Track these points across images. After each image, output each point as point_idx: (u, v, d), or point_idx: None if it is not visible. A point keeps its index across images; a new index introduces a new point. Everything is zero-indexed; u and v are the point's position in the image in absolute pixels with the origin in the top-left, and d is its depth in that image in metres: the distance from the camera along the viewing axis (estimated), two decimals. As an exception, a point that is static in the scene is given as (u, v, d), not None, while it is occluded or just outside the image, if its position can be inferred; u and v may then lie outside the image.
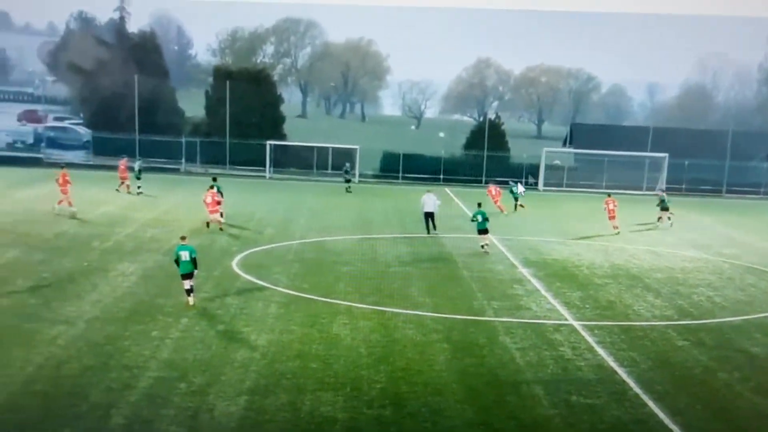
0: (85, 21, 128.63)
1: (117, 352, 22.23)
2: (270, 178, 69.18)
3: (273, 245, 38.84)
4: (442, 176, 71.74)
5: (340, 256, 37.10)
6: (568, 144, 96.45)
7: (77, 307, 26.21)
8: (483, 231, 38.96)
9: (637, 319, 28.41)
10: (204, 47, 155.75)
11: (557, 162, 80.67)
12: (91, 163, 68.25)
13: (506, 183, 59.36)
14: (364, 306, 28.19)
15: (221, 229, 41.48)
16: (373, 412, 19.14)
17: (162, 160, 70.33)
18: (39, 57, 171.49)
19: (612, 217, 47.71)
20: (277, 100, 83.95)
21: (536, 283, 33.09)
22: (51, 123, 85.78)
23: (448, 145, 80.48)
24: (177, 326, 24.83)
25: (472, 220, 39.44)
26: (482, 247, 38.76)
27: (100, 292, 28.23)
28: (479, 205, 40.20)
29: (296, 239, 40.78)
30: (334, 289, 30.62)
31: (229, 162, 70.97)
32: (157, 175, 56.88)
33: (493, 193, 55.04)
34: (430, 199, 44.01)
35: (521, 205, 54.23)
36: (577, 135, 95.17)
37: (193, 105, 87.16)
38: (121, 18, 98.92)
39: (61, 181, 45.39)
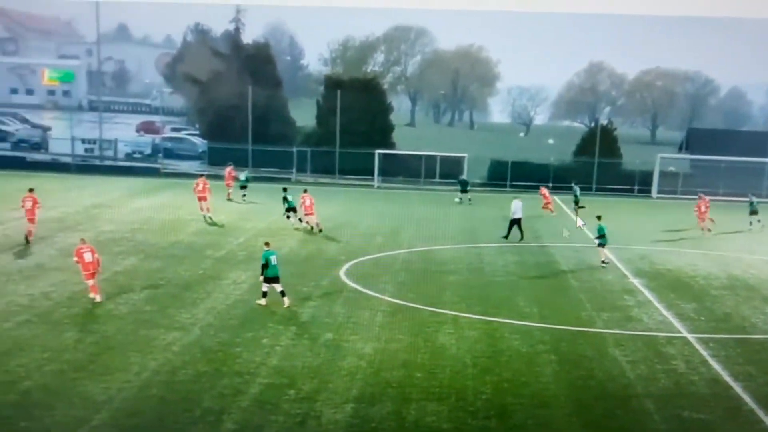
0: (201, 33, 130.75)
1: (229, 358, 22.76)
2: (378, 187, 69.52)
3: (380, 254, 39.10)
4: (551, 184, 71.00)
5: (447, 265, 37.16)
6: (683, 150, 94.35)
7: (192, 314, 26.89)
8: (602, 245, 37.75)
9: (755, 332, 27.78)
10: (316, 57, 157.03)
11: (672, 168, 79.02)
12: (205, 173, 69.74)
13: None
14: (470, 316, 28.25)
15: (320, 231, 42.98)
16: (478, 423, 19.20)
17: (274, 169, 71.22)
18: (156, 69, 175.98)
19: (702, 219, 47.73)
20: (387, 108, 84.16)
21: (648, 294, 32.61)
22: (168, 134, 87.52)
23: (558, 151, 79.60)
24: (287, 334, 25.31)
25: (599, 236, 37.68)
26: (602, 262, 37.54)
27: (213, 300, 28.91)
28: (599, 218, 38.57)
29: (403, 248, 40.95)
30: (440, 298, 30.71)
31: (338, 171, 71.54)
32: (268, 185, 57.56)
33: (547, 195, 55.21)
34: (517, 205, 44.14)
35: (581, 206, 53.89)
36: (693, 140, 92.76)
37: (304, 115, 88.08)
38: (236, 29, 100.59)
39: (200, 188, 46.75)
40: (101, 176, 63.62)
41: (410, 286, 32.60)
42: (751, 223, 50.42)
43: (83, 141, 77.54)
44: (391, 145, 77.94)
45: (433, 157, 73.56)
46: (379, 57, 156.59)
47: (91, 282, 28.21)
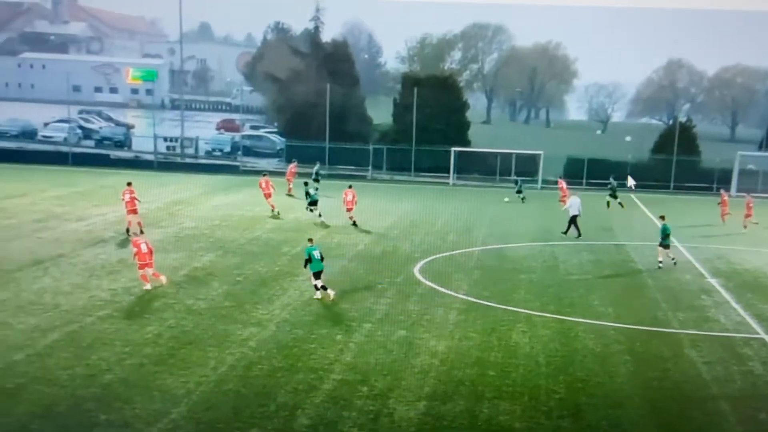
0: (281, 32, 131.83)
1: (304, 354, 22.90)
2: (453, 184, 69.37)
3: (455, 252, 39.01)
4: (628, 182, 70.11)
5: (521, 263, 36.96)
6: (763, 147, 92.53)
7: (268, 310, 27.13)
8: (665, 246, 36.99)
9: (836, 334, 27.11)
10: (393, 55, 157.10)
11: (751, 166, 77.45)
12: (283, 170, 70.27)
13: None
14: (544, 314, 28.04)
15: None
16: (552, 422, 19.06)
17: (350, 167, 71.55)
18: (237, 67, 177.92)
19: (747, 215, 48.31)
20: (463, 106, 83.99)
21: (726, 294, 32.02)
22: (247, 131, 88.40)
23: (635, 149, 78.52)
24: (360, 331, 25.38)
25: (664, 236, 36.76)
26: (659, 263, 36.83)
27: (289, 296, 29.11)
28: (662, 218, 37.90)
29: (477, 246, 40.84)
30: (514, 296, 30.59)
31: (413, 169, 71.52)
32: (345, 182, 57.76)
33: (564, 187, 55.31)
34: (575, 202, 44.28)
35: (619, 203, 54.06)
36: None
37: (380, 112, 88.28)
38: (316, 28, 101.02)
39: (264, 185, 47.47)
40: (182, 173, 64.48)
41: (484, 284, 32.47)
42: None
43: (165, 139, 78.73)
44: (467, 143, 77.72)
45: (509, 154, 73.17)
46: (456, 54, 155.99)
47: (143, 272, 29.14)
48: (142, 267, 29.29)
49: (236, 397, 19.64)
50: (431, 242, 41.28)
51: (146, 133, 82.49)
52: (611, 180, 58.08)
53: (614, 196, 55.88)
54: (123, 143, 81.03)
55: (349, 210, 44.70)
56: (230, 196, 53.70)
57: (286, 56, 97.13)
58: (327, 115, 73.64)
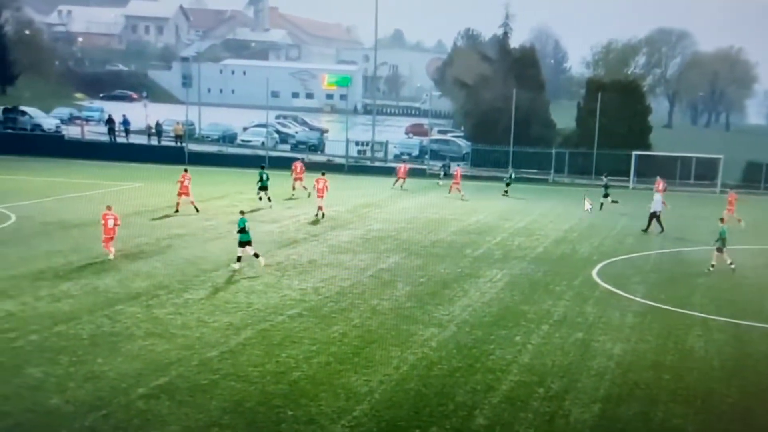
0: (471, 38, 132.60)
1: (482, 355, 22.95)
2: (633, 188, 67.77)
3: (632, 255, 38.24)
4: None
5: (697, 266, 35.88)
6: None
7: (449, 311, 27.23)
8: (720, 250, 34.88)
9: None
10: (578, 60, 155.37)
11: None
12: (468, 174, 70.51)
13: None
14: (720, 318, 27.28)
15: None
16: (723, 426, 18.64)
17: (533, 170, 71.06)
18: (427, 73, 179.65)
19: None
20: (646, 110, 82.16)
21: None
22: (435, 136, 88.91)
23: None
24: (538, 332, 25.24)
25: (719, 239, 34.90)
26: (711, 265, 34.90)
27: (470, 298, 29.17)
28: (722, 221, 36.10)
29: (655, 249, 39.95)
30: (690, 300, 29.82)
31: (594, 172, 70.25)
32: (527, 185, 57.82)
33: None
34: (656, 199, 44.54)
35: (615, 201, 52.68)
36: None
37: (563, 117, 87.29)
38: (504, 34, 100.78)
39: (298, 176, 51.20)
40: (372, 176, 65.52)
41: (661, 287, 31.71)
42: None
43: (356, 143, 80.00)
44: (648, 147, 75.96)
45: (689, 158, 70.98)
46: (641, 59, 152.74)
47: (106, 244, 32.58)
48: (106, 240, 32.53)
49: (416, 395, 19.85)
50: (610, 245, 40.63)
51: (338, 138, 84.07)
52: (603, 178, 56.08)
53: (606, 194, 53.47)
54: (317, 147, 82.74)
55: (319, 197, 44.75)
56: (417, 198, 54.15)
57: (474, 62, 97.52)
58: (512, 120, 73.26)
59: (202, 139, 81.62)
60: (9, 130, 77.52)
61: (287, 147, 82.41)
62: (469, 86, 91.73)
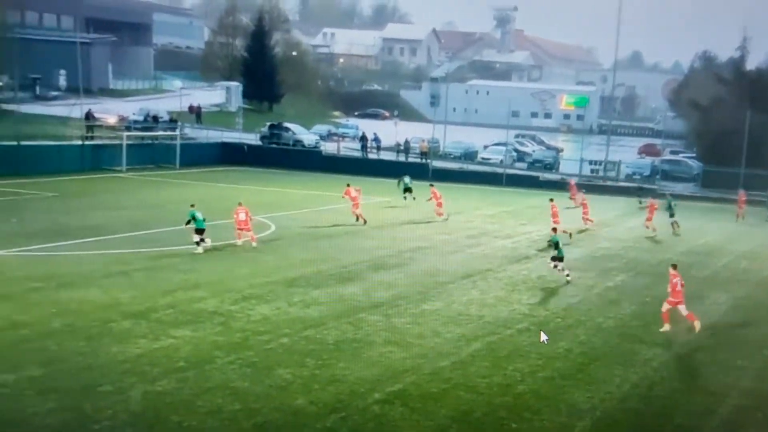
0: (707, 60, 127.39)
1: (702, 377, 22.23)
2: None
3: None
4: None
5: None
6: None
7: (673, 331, 26.33)
8: None
9: None
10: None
11: None
12: (698, 195, 67.62)
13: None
14: None
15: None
16: None
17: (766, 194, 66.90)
18: (662, 94, 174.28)
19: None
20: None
21: None
22: (667, 156, 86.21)
23: None
24: (760, 357, 24.22)
25: None
26: None
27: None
28: None
29: None
30: None
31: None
32: (757, 209, 55.06)
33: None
34: None
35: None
36: None
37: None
38: (741, 56, 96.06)
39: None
40: (603, 196, 64.17)
41: None
42: None
43: (590, 162, 78.68)
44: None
45: None
46: None
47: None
48: (239, 230, 36.38)
49: (636, 415, 19.46)
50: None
51: (573, 157, 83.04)
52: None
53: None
54: (552, 166, 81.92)
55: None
56: (641, 218, 52.27)
57: (710, 83, 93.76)
58: (745, 142, 69.62)
59: (445, 156, 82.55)
60: (273, 145, 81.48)
61: (524, 165, 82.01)
62: (703, 107, 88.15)
